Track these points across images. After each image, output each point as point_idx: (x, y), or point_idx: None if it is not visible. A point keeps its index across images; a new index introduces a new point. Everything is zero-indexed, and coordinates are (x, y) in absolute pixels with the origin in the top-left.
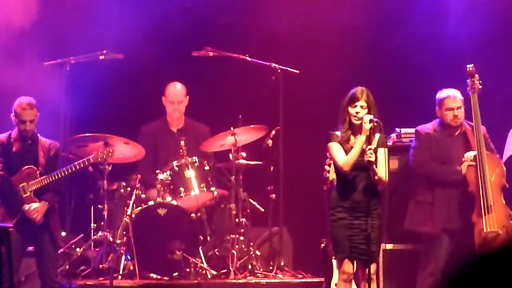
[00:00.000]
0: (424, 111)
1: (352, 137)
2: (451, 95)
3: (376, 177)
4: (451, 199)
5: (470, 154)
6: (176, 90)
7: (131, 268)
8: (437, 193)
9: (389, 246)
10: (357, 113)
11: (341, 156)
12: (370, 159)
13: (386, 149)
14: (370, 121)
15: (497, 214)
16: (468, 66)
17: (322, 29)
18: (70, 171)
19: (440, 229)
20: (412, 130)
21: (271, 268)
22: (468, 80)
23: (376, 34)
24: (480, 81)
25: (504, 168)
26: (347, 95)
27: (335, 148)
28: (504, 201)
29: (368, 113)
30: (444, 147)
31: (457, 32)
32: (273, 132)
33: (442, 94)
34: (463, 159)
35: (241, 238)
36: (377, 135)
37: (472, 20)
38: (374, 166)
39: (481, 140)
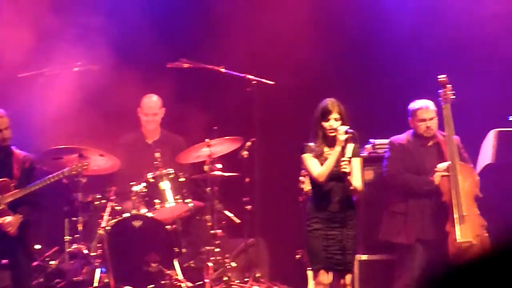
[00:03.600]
0: (399, 122)
1: (326, 149)
2: (423, 106)
3: (351, 188)
4: (425, 210)
5: (443, 165)
6: (151, 102)
7: (106, 280)
8: (411, 203)
9: (364, 257)
10: (331, 126)
11: (316, 167)
12: (345, 170)
13: (360, 159)
14: (346, 132)
15: (470, 224)
16: (440, 76)
17: (296, 41)
18: (45, 183)
19: (415, 240)
20: (387, 141)
21: (246, 279)
22: (440, 91)
23: (350, 46)
24: (453, 91)
25: (478, 178)
26: (318, 109)
27: (309, 160)
28: (477, 211)
29: (342, 123)
30: (418, 157)
31: (429, 43)
32: (249, 143)
33: (415, 105)
34: (436, 169)
35: (217, 249)
36: (351, 145)
37: (443, 31)
38: (349, 177)
39: (454, 150)
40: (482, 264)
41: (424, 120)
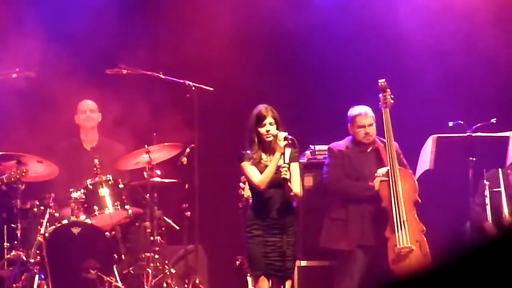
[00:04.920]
0: (339, 128)
1: (263, 156)
2: (362, 113)
3: (291, 193)
4: (365, 215)
5: (382, 170)
6: (87, 102)
7: (45, 287)
8: (351, 209)
9: (303, 263)
10: (267, 131)
11: (256, 175)
12: (285, 176)
13: (299, 163)
14: (285, 138)
15: (410, 229)
16: (380, 81)
17: (234, 46)
18: None
19: (355, 246)
20: (326, 147)
21: (186, 286)
22: (380, 95)
23: (289, 51)
24: (392, 96)
25: (417, 184)
26: (252, 116)
27: (249, 168)
28: (416, 217)
29: (277, 127)
30: (357, 163)
31: (368, 47)
32: (188, 149)
33: (353, 111)
34: (376, 174)
35: (156, 256)
36: (288, 150)
37: (383, 36)
38: (289, 183)
39: (393, 155)
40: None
41: (363, 126)
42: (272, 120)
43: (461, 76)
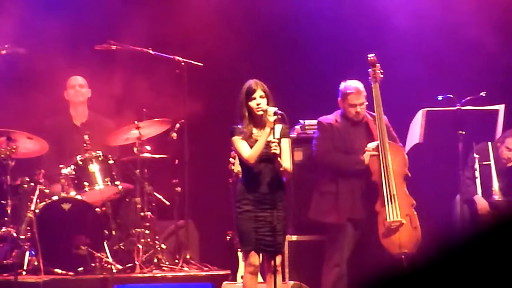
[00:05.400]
0: (328, 102)
1: (254, 130)
2: (354, 91)
3: (281, 169)
4: (355, 189)
5: (372, 145)
6: (77, 78)
7: (36, 263)
8: (341, 183)
9: (293, 237)
10: (258, 104)
11: (246, 149)
12: (275, 151)
13: (289, 139)
14: (275, 113)
15: (400, 203)
16: (369, 55)
17: (224, 21)
18: None
19: (345, 219)
20: (316, 121)
21: (177, 261)
22: (369, 70)
23: (278, 26)
24: (382, 71)
25: (407, 157)
26: (242, 91)
27: (239, 142)
28: (406, 190)
29: (267, 101)
30: (347, 137)
31: (357, 21)
32: (178, 125)
33: (346, 88)
34: (366, 149)
35: (147, 231)
36: (279, 126)
37: (371, 8)
38: (279, 158)
39: (383, 129)
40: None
41: (354, 105)
42: (262, 93)
43: (443, 52)
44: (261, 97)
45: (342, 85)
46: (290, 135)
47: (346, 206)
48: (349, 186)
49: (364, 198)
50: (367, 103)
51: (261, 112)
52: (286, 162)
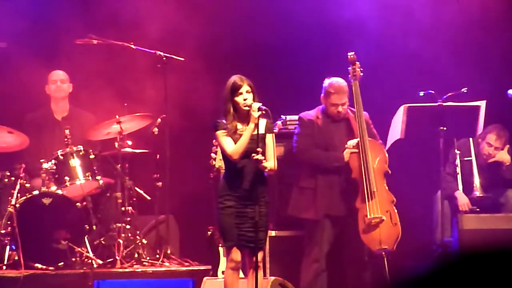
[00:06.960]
0: (310, 97)
1: (239, 126)
2: (338, 91)
3: (266, 170)
4: (333, 186)
5: (353, 142)
6: (58, 72)
7: (16, 258)
8: (320, 179)
9: (273, 233)
10: (245, 99)
11: (230, 144)
12: (258, 158)
13: (273, 135)
14: (259, 109)
15: (380, 199)
16: (349, 53)
17: (205, 16)
18: None
19: (322, 216)
20: (297, 117)
21: (157, 256)
22: (349, 68)
23: (258, 20)
24: (361, 68)
25: (387, 154)
26: (227, 86)
27: (223, 137)
28: (386, 187)
29: (253, 96)
30: (327, 133)
31: (337, 19)
32: (159, 120)
33: (329, 87)
34: (346, 146)
35: (128, 226)
36: (264, 121)
37: (353, 7)
38: (263, 162)
39: (363, 127)
40: None
41: (336, 105)
42: (249, 89)
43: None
44: (247, 92)
45: (326, 82)
46: (274, 130)
47: (323, 202)
48: (327, 182)
49: (343, 194)
50: (348, 103)
51: (247, 108)
52: (270, 160)
